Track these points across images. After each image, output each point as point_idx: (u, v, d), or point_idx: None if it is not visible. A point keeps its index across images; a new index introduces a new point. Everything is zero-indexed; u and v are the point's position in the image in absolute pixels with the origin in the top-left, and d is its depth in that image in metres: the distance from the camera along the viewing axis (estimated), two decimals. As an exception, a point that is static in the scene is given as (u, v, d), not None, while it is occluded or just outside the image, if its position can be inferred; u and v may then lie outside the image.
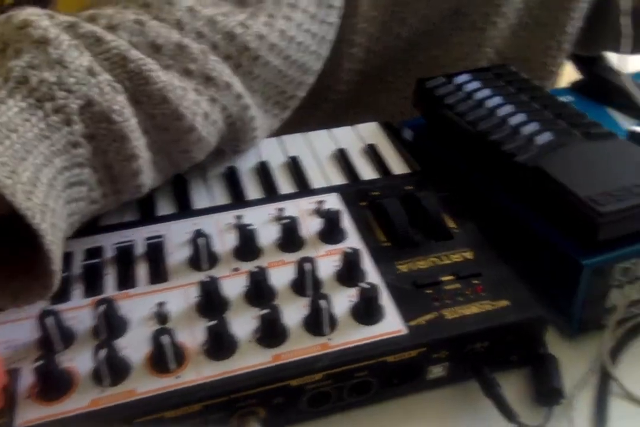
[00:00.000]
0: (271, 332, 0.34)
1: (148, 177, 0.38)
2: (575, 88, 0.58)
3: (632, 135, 0.47)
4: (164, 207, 0.45)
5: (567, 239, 0.39)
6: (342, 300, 0.37)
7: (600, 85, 0.56)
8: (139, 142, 0.35)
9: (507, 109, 0.48)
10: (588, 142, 0.43)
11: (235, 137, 0.44)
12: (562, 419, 0.35)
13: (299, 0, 0.44)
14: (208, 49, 0.39)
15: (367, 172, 0.49)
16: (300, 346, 0.34)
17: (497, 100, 0.49)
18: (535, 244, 0.41)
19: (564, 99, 0.56)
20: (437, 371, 0.36)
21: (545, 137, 0.44)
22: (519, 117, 0.46)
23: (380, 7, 0.59)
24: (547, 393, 0.35)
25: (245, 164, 0.49)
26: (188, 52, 0.37)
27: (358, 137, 0.53)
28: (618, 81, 0.55)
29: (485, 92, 0.50)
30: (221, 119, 0.41)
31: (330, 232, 0.41)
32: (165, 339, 0.32)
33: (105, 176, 0.35)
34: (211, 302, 0.35)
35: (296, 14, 0.44)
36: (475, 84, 0.52)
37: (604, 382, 0.37)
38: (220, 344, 0.33)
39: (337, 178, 0.48)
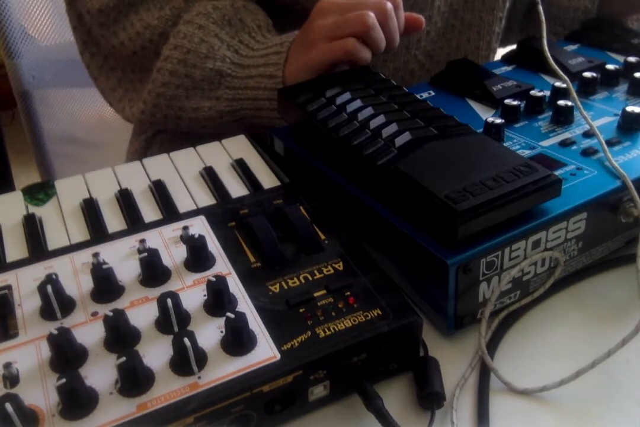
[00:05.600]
0: (132, 381, 0.31)
1: None
2: (434, 82, 0.59)
3: (487, 126, 0.48)
4: (14, 252, 0.41)
5: (432, 239, 0.39)
6: (212, 332, 0.35)
7: (457, 78, 0.57)
8: None
9: (367, 112, 0.48)
10: (444, 139, 0.44)
11: None
12: (447, 421, 0.35)
13: None
14: None
15: (236, 189, 0.47)
16: (168, 390, 0.32)
17: (357, 103, 0.49)
18: (405, 245, 0.41)
19: (425, 94, 0.57)
20: (318, 391, 0.35)
21: (404, 138, 0.44)
22: (379, 120, 0.46)
23: None
24: (429, 397, 0.35)
25: (104, 194, 0.46)
26: None
27: (225, 152, 0.51)
28: (472, 73, 0.57)
29: (346, 96, 0.50)
30: None
31: (196, 259, 0.39)
32: (9, 407, 0.29)
33: None
34: (64, 356, 0.32)
35: None
36: (336, 89, 0.51)
37: (484, 376, 0.38)
38: (75, 402, 0.30)
39: (205, 199, 0.46)
